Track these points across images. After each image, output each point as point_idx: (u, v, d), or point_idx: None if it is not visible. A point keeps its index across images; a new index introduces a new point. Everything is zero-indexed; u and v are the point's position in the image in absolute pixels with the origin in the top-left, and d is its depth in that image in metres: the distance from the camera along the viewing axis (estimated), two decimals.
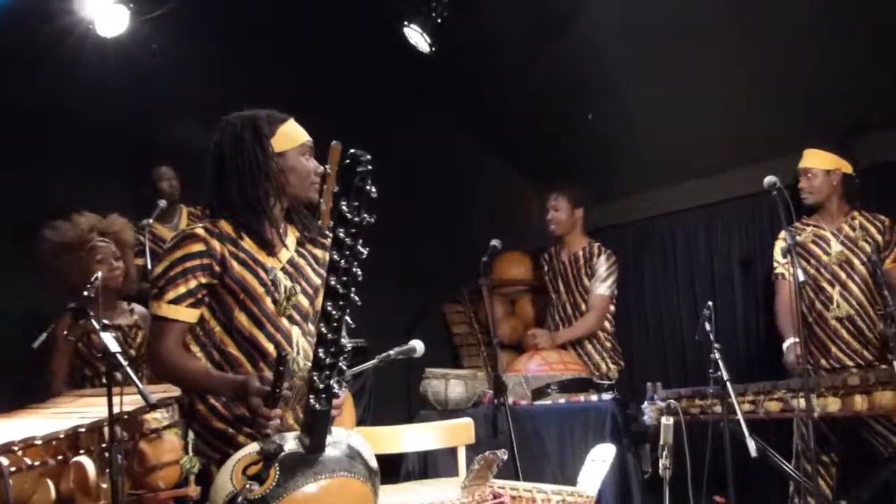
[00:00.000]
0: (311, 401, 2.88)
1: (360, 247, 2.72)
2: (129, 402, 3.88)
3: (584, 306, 6.90)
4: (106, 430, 3.87)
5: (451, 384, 6.20)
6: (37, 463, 3.91)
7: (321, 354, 2.82)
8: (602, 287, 6.82)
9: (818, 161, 5.64)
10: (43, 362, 5.32)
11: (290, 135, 3.39)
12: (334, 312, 2.77)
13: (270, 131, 3.35)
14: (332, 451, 3.03)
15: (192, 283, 3.21)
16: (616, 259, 6.95)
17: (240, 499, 2.88)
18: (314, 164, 3.42)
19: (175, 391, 4.01)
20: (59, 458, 4.02)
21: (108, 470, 3.86)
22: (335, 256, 2.72)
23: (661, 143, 7.34)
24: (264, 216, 3.33)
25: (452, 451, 5.30)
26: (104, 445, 4.04)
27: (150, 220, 6.03)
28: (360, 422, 6.43)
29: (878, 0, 5.53)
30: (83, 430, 4.09)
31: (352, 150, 2.67)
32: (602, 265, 6.84)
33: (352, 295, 2.80)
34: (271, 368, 3.10)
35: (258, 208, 3.31)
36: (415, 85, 8.14)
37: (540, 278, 7.53)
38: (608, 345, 6.86)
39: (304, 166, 3.38)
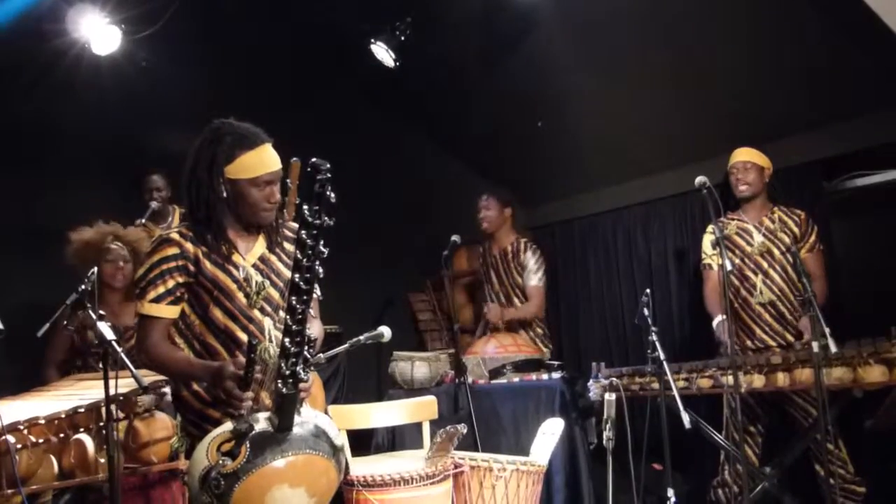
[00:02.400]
0: (279, 385, 2.89)
1: (321, 247, 2.73)
2: (123, 384, 3.86)
3: (514, 298, 6.94)
4: (103, 409, 3.86)
5: (416, 365, 6.19)
6: (41, 440, 3.92)
7: (287, 343, 2.86)
8: (535, 279, 6.86)
9: (754, 157, 5.65)
10: (41, 351, 5.31)
11: (248, 166, 3.28)
12: (298, 306, 2.80)
13: (229, 158, 3.27)
14: (299, 430, 3.04)
15: (170, 283, 3.25)
16: (542, 252, 7.00)
17: (213, 473, 2.91)
18: (268, 194, 3.31)
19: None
20: (61, 435, 4.03)
21: (105, 446, 3.84)
22: (298, 255, 2.75)
23: (603, 147, 7.38)
24: (217, 229, 3.32)
25: (418, 426, 5.31)
26: (101, 424, 4.03)
27: (143, 221, 6.04)
28: (335, 400, 6.42)
29: (794, 15, 5.56)
30: (82, 410, 4.09)
31: (312, 160, 2.66)
32: (530, 260, 6.88)
33: (314, 290, 2.83)
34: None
35: (209, 223, 3.32)
36: (381, 95, 8.14)
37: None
38: (539, 330, 6.92)
39: (252, 197, 3.29)
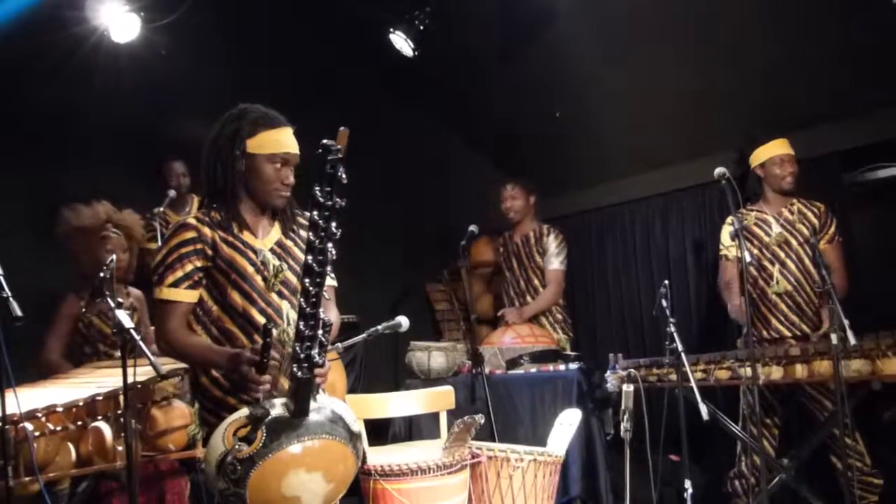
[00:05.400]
0: (294, 369, 2.89)
1: (333, 228, 2.74)
2: (141, 372, 3.87)
3: (536, 281, 6.97)
4: (121, 397, 3.86)
5: (433, 355, 6.19)
6: (58, 428, 3.91)
7: (301, 327, 2.87)
8: (556, 262, 6.91)
9: (792, 149, 5.64)
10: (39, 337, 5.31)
11: (267, 142, 3.34)
12: (311, 288, 2.81)
13: (251, 132, 3.33)
14: (315, 415, 3.05)
15: (189, 267, 3.26)
16: (564, 237, 7.04)
17: (229, 458, 2.91)
18: (283, 175, 3.36)
19: (182, 364, 4.02)
20: (79, 423, 4.03)
21: (123, 434, 3.85)
22: (311, 237, 2.77)
23: (622, 138, 7.34)
24: (231, 203, 3.36)
25: (435, 416, 5.31)
26: (119, 412, 4.04)
27: (162, 209, 6.06)
28: (352, 390, 6.44)
29: (815, 7, 5.52)
30: (100, 397, 4.09)
31: (323, 141, 2.67)
32: (552, 243, 6.93)
33: (327, 272, 2.82)
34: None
35: (224, 195, 3.35)
36: (400, 86, 8.13)
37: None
38: (559, 316, 6.94)
39: (267, 173, 3.34)
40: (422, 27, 6.74)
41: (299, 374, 2.91)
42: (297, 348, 2.88)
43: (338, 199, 2.71)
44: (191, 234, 3.27)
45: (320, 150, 2.68)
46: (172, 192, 6.28)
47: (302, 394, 2.97)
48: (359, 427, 3.26)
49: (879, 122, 5.88)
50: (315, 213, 2.72)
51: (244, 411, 2.99)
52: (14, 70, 5.91)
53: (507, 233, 7.25)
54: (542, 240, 6.96)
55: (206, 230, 3.30)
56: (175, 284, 3.24)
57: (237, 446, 2.91)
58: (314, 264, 2.77)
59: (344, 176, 2.68)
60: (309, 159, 3.40)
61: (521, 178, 7.11)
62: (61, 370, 5.01)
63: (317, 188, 2.70)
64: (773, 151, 5.66)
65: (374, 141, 7.33)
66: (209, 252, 3.28)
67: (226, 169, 3.33)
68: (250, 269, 3.31)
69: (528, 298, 6.97)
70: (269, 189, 3.36)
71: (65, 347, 5.28)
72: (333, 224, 2.75)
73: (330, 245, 2.79)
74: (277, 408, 3.00)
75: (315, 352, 2.90)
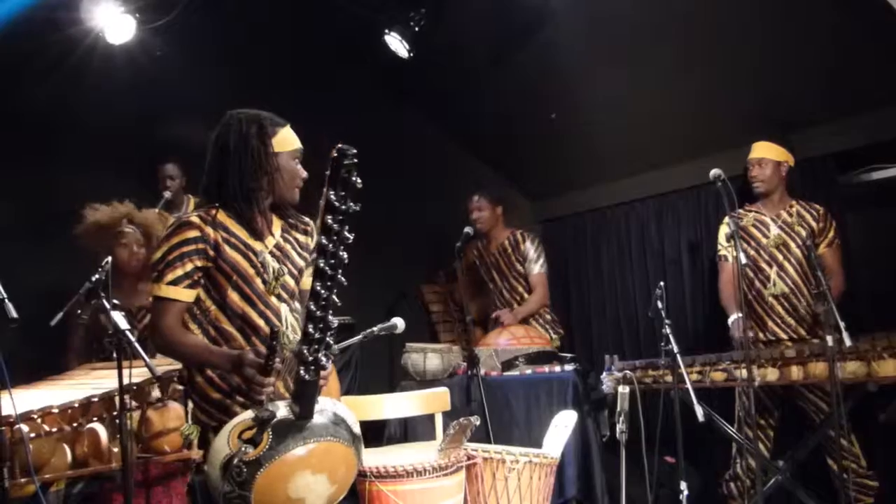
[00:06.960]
0: (301, 371, 2.89)
1: (346, 232, 2.73)
2: (137, 374, 3.87)
3: (520, 289, 7.03)
4: (116, 399, 3.86)
5: (428, 357, 6.19)
6: (54, 429, 3.92)
7: (310, 329, 2.84)
8: (537, 266, 6.98)
9: (770, 153, 5.65)
10: (60, 338, 5.30)
11: (287, 139, 3.38)
12: (322, 292, 2.79)
13: (273, 132, 3.34)
14: (319, 417, 3.04)
15: (189, 266, 3.23)
16: (540, 240, 7.12)
17: (235, 460, 2.89)
18: (300, 170, 3.41)
19: (178, 365, 4.01)
20: (75, 424, 4.03)
21: (118, 435, 3.85)
22: (324, 241, 2.74)
23: (617, 139, 7.34)
24: (256, 206, 3.34)
25: (430, 418, 5.31)
26: (115, 413, 4.04)
27: (157, 210, 6.05)
28: (347, 391, 6.42)
29: (811, 8, 5.53)
30: (96, 399, 4.09)
31: (339, 145, 2.67)
32: (530, 249, 7.00)
33: (339, 276, 2.81)
34: (262, 342, 3.18)
35: (252, 198, 3.32)
36: (397, 86, 8.14)
37: None
38: (548, 317, 7.01)
39: (293, 169, 3.38)
40: (417, 28, 6.74)
41: (306, 376, 2.90)
42: (305, 351, 2.86)
43: (352, 204, 2.71)
44: (193, 234, 3.24)
45: (335, 154, 2.67)
46: (168, 194, 6.28)
47: (308, 396, 2.97)
48: (359, 429, 3.26)
49: (875, 124, 5.88)
50: (329, 217, 2.71)
51: (249, 413, 2.98)
52: (9, 72, 5.90)
53: (481, 242, 7.31)
54: (520, 247, 7.01)
55: (209, 230, 3.26)
56: (174, 282, 3.21)
57: (243, 448, 2.91)
58: (327, 268, 2.76)
59: (359, 181, 2.69)
60: (303, 162, 3.43)
61: (486, 189, 7.19)
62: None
63: (331, 192, 2.69)
64: (751, 154, 5.71)
65: (371, 142, 7.30)
66: (211, 253, 3.25)
67: (259, 170, 3.31)
68: (251, 272, 3.29)
69: (515, 307, 6.99)
70: (293, 185, 3.40)
71: (79, 349, 5.32)
72: (347, 228, 2.75)
73: (342, 249, 2.78)
74: (282, 410, 2.99)
75: (322, 354, 2.90)
